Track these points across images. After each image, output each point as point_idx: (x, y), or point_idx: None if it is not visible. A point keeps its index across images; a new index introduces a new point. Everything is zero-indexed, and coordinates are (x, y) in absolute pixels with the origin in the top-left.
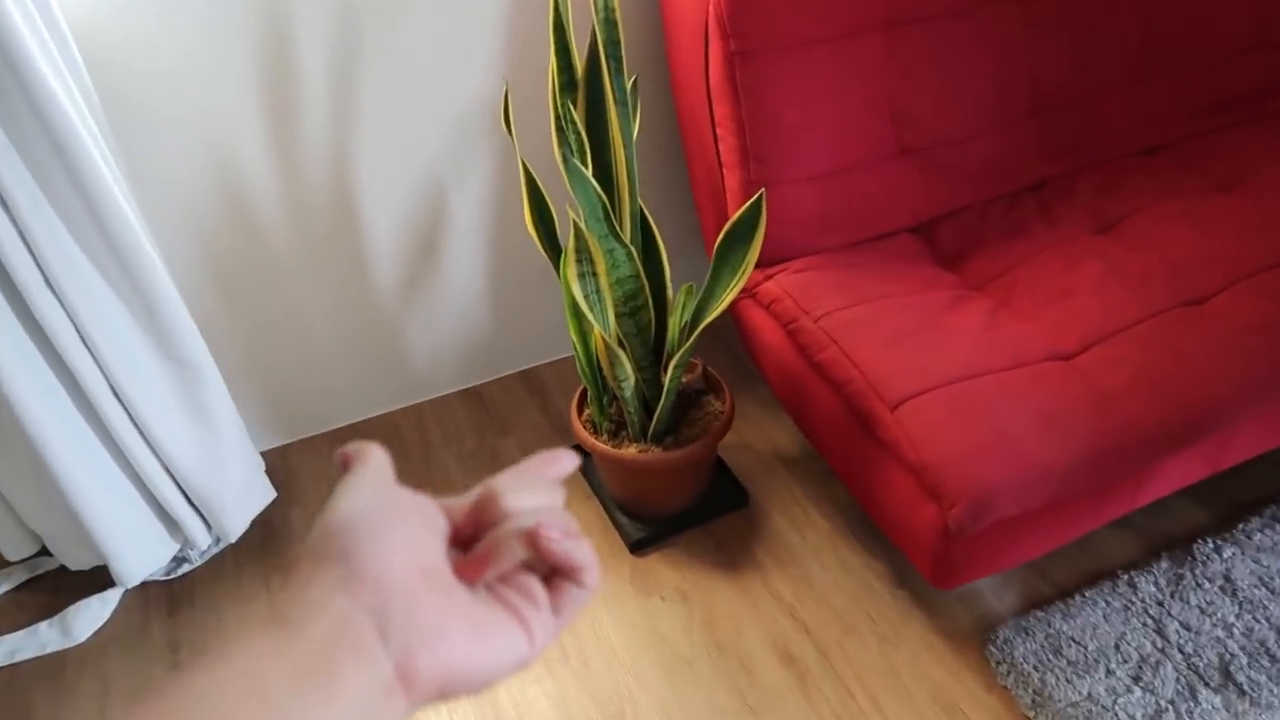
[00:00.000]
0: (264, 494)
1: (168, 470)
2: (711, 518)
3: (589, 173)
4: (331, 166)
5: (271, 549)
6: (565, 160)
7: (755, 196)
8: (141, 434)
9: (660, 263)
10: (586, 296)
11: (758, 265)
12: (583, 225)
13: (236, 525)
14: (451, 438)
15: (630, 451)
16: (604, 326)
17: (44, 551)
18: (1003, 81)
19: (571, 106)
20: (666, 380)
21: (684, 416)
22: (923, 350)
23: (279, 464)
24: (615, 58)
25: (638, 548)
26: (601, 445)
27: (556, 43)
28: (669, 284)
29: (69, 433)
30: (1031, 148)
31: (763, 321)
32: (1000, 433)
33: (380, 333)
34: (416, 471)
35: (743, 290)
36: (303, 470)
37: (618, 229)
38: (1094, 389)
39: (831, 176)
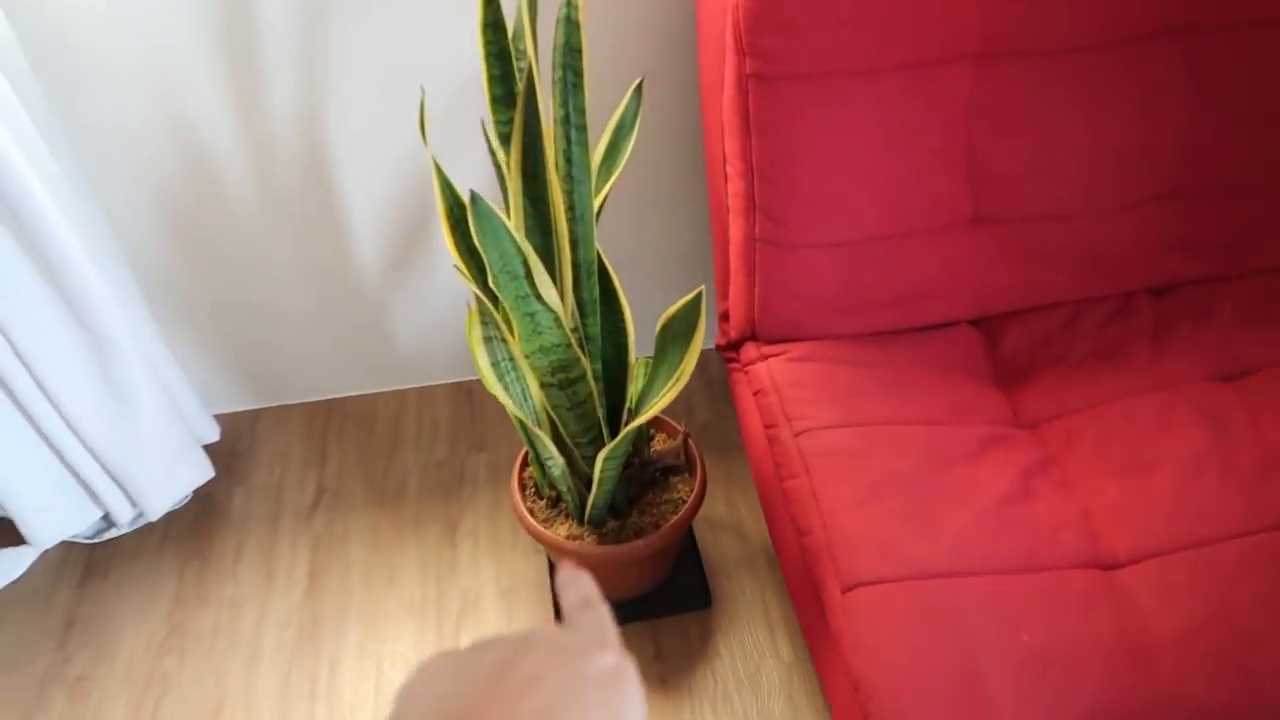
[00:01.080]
0: (197, 473)
1: (82, 441)
2: (662, 613)
3: (505, 218)
4: (301, 123)
5: (202, 529)
6: (473, 200)
7: (693, 294)
8: (51, 402)
9: (622, 322)
10: (495, 364)
11: (756, 337)
12: (490, 282)
13: (157, 504)
14: (424, 440)
15: (558, 533)
16: (518, 401)
17: None
18: (1142, 145)
19: (500, 130)
20: (596, 472)
21: (641, 496)
22: (910, 517)
23: (245, 429)
24: (573, 68)
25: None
26: (528, 519)
27: (488, 46)
28: (631, 347)
29: None
30: (1161, 239)
31: (748, 406)
32: (968, 669)
33: (361, 309)
34: (375, 474)
35: (733, 360)
36: (267, 442)
37: (538, 290)
38: (1131, 628)
39: (868, 244)
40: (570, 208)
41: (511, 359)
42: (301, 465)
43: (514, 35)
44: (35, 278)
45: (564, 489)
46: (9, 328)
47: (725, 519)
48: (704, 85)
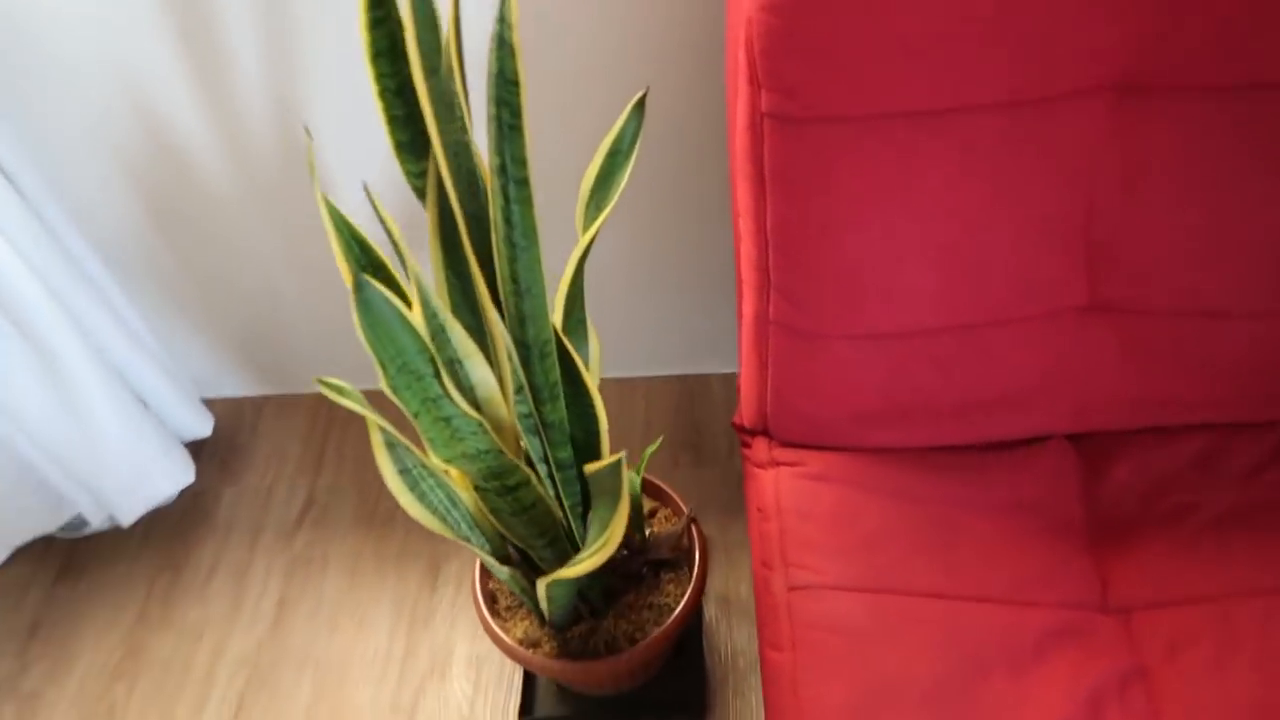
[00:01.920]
0: (174, 480)
1: (43, 450)
2: (659, 713)
3: (404, 306)
4: (278, 106)
5: (182, 534)
6: (357, 286)
7: (613, 459)
8: (4, 411)
9: (591, 409)
10: (405, 471)
11: (771, 434)
12: (384, 384)
13: (127, 512)
14: None
15: (514, 633)
16: (442, 511)
17: None
18: None
19: (413, 185)
20: (541, 591)
21: (624, 593)
22: None
23: (249, 418)
24: (509, 105)
25: (530, 716)
26: (481, 608)
27: (381, 81)
28: (603, 440)
29: None
30: None
31: (752, 517)
32: None
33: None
34: (368, 493)
35: (745, 445)
36: (266, 436)
37: (447, 389)
38: None
39: (927, 337)
40: (513, 278)
41: (421, 466)
42: (295, 470)
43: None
44: None
45: (516, 590)
46: None
47: (743, 600)
48: (729, 102)
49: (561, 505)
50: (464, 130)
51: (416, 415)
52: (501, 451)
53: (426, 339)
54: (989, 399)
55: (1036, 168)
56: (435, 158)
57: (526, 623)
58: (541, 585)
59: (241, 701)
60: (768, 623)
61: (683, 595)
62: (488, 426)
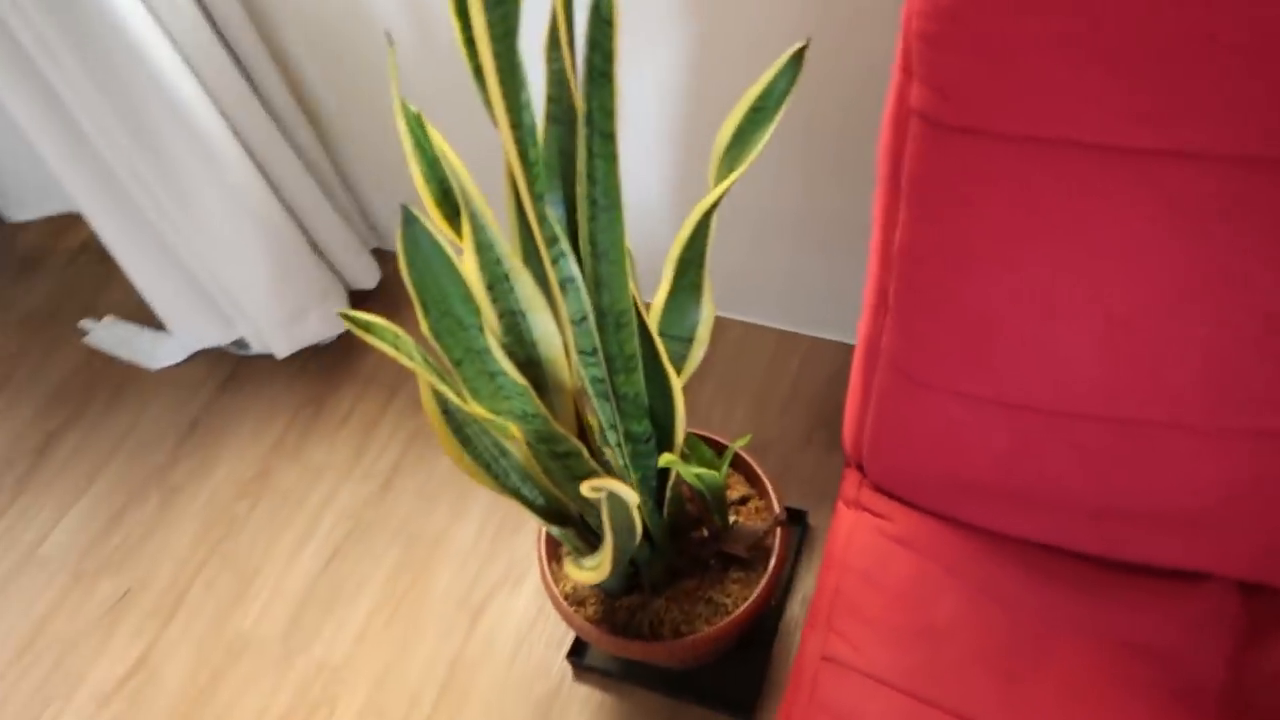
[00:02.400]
0: (329, 325)
1: (211, 273)
2: (696, 699)
3: (454, 250)
4: None
5: (332, 375)
6: (405, 217)
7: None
8: (174, 224)
9: (669, 391)
10: (447, 413)
11: (865, 471)
12: (424, 328)
13: (280, 346)
14: None
15: (562, 586)
16: (481, 459)
17: None
18: None
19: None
20: (570, 567)
21: (685, 577)
22: None
23: None
24: (600, 47)
25: (579, 658)
26: (540, 553)
27: None
28: (678, 422)
29: (113, 211)
30: None
31: (825, 556)
32: None
33: None
34: None
35: (844, 474)
36: None
37: (489, 345)
38: None
39: (1075, 420)
40: (591, 239)
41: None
42: None
43: None
44: (166, 114)
45: (570, 548)
46: (139, 146)
47: None
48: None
49: (628, 478)
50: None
51: (459, 364)
52: (549, 419)
53: (479, 288)
54: (1143, 511)
55: (1270, 249)
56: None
57: (586, 570)
58: (569, 566)
59: (336, 551)
60: (791, 684)
61: (745, 599)
62: (532, 394)
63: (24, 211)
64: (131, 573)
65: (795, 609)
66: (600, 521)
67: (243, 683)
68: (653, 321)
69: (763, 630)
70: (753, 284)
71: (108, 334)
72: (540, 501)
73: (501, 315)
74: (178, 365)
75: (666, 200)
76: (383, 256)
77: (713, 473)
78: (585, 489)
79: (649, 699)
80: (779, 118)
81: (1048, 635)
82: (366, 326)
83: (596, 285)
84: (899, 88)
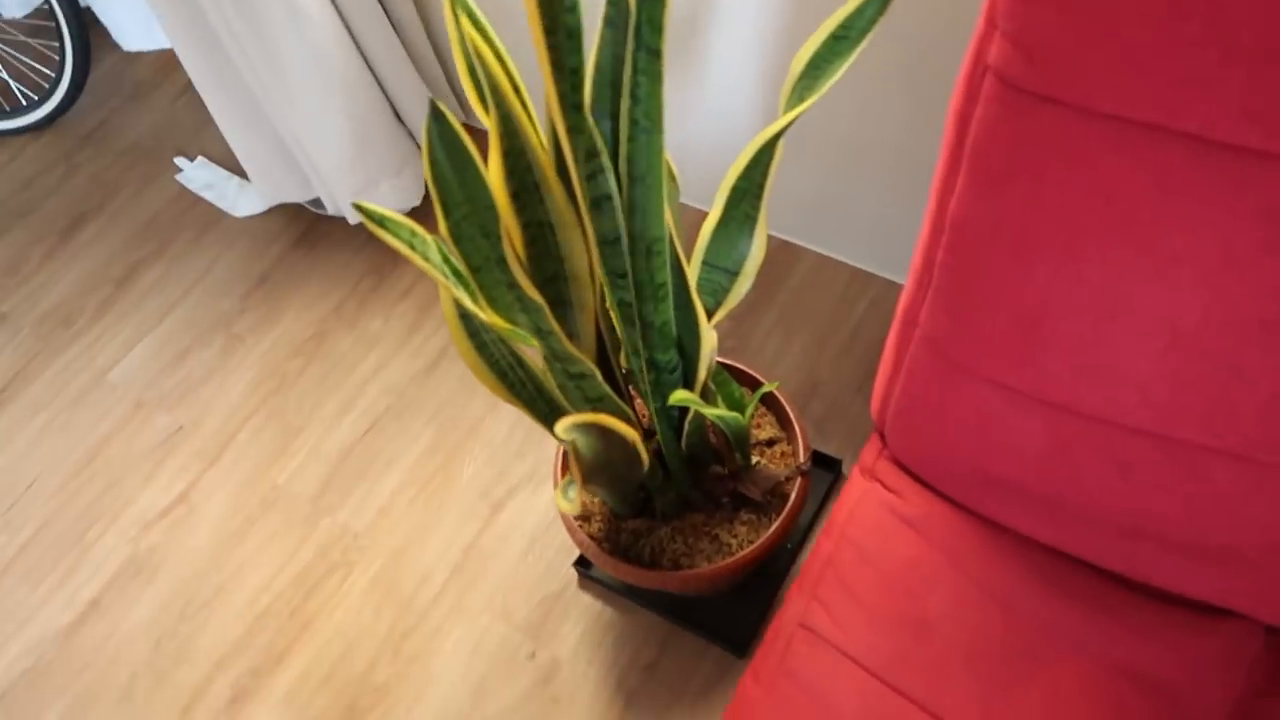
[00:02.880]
0: (401, 197)
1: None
2: (694, 626)
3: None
4: None
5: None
6: (432, 111)
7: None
8: (263, 86)
9: (695, 327)
10: (464, 317)
11: (886, 442)
12: (443, 230)
13: (352, 212)
14: None
15: (572, 490)
16: (497, 367)
17: None
18: None
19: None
20: (559, 497)
21: (693, 511)
22: None
23: None
24: None
25: (586, 568)
26: (556, 462)
27: None
28: (703, 361)
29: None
30: None
31: (828, 520)
32: None
33: None
34: None
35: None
36: None
37: (506, 255)
38: None
39: (1119, 432)
40: (629, 159)
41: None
42: None
43: None
44: None
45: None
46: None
47: None
48: None
49: (649, 406)
50: None
51: (477, 270)
52: (561, 338)
53: (501, 195)
54: (1179, 538)
55: None
56: None
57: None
58: (557, 491)
59: (375, 423)
60: (765, 641)
61: (750, 543)
62: (547, 311)
63: (137, 41)
64: (187, 411)
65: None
66: (612, 452)
67: (271, 534)
68: (699, 248)
69: (774, 571)
70: (834, 214)
71: (198, 175)
72: (553, 416)
73: (527, 225)
74: (257, 216)
75: (757, 108)
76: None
77: (735, 415)
78: (560, 428)
79: (646, 619)
80: (861, 48)
81: (1044, 647)
82: (380, 221)
83: (630, 209)
84: (979, 40)
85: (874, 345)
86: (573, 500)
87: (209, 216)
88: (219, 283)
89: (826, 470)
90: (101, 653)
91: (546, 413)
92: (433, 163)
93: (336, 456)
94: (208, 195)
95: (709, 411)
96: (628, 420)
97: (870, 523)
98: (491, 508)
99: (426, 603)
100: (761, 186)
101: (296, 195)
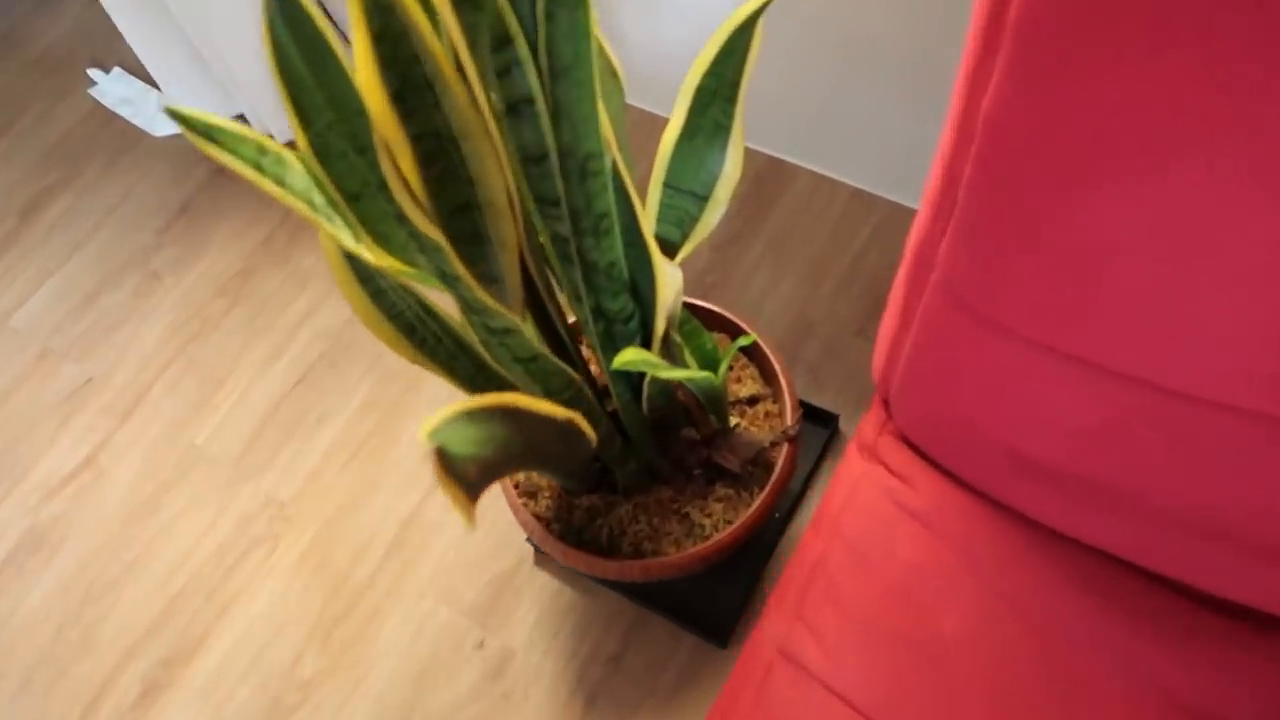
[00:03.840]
0: None
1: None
2: (668, 612)
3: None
4: None
5: None
6: None
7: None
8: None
9: (648, 266)
10: (352, 258)
11: (891, 412)
12: (301, 142)
13: (279, 129)
14: None
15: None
16: (400, 318)
17: None
18: None
19: None
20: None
21: (659, 485)
22: None
23: None
24: None
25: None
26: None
27: None
28: (660, 308)
29: None
30: None
31: (819, 507)
32: None
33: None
34: None
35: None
36: None
37: (388, 179)
38: None
39: (1194, 407)
40: (548, 46)
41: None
42: None
43: None
44: None
45: None
46: None
47: None
48: None
49: (600, 362)
50: None
51: (356, 199)
52: (471, 285)
53: (377, 97)
54: (1260, 540)
55: None
56: None
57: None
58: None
59: (307, 373)
60: (739, 668)
61: (726, 524)
62: (449, 251)
63: None
64: (97, 361)
65: (802, 527)
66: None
67: (188, 501)
68: (659, 165)
69: (759, 545)
70: (831, 126)
71: (113, 89)
72: (481, 378)
73: (419, 137)
74: (178, 136)
75: None
76: None
77: (707, 375)
78: (426, 433)
79: (610, 601)
80: None
81: (1084, 673)
82: (206, 132)
83: (556, 115)
84: None
85: (877, 279)
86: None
87: (126, 137)
88: (135, 213)
89: (821, 426)
90: None
91: (472, 372)
92: (276, 49)
93: (262, 412)
94: (123, 111)
95: (669, 374)
96: (566, 387)
97: (870, 516)
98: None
99: (361, 583)
100: (736, 86)
101: (219, 110)
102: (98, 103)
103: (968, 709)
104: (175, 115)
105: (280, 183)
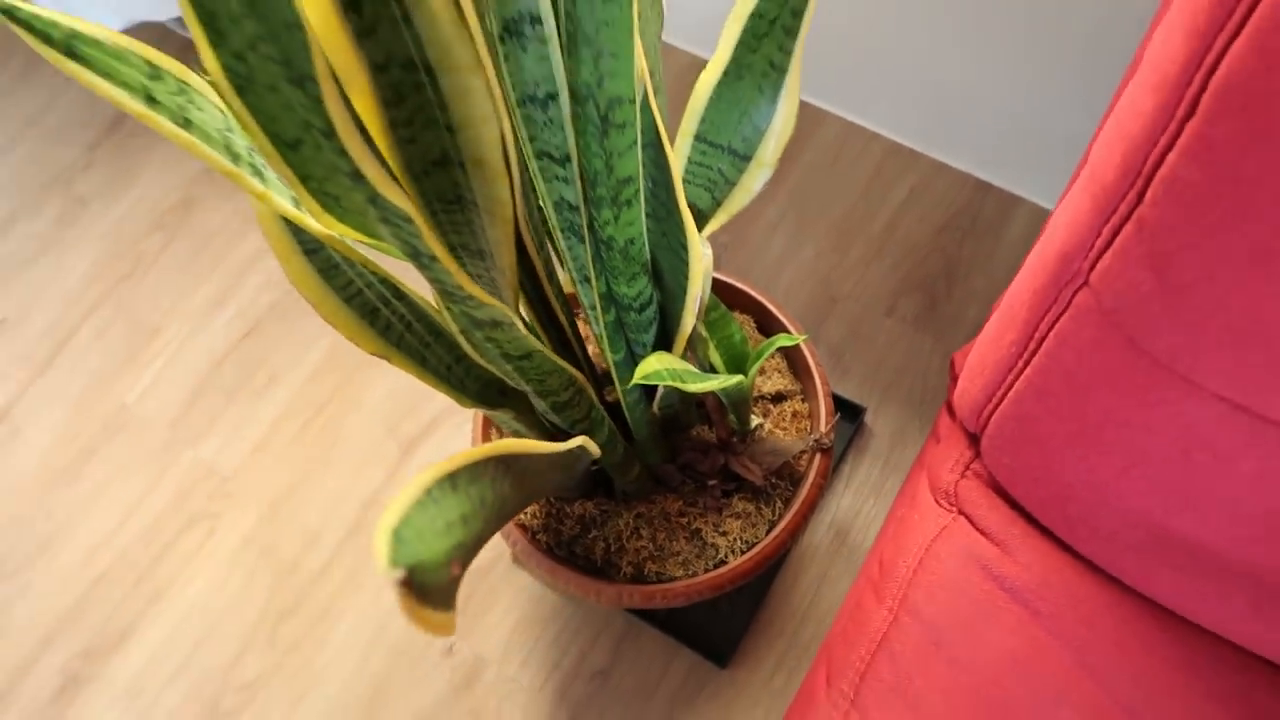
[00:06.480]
0: None
1: None
2: (659, 627)
3: None
4: None
5: None
6: None
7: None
8: None
9: (684, 250)
10: (293, 227)
11: (981, 451)
12: (209, 63)
13: None
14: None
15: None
16: (357, 299)
17: None
18: None
19: None
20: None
21: (669, 491)
22: None
23: None
24: None
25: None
26: (475, 425)
27: None
28: (690, 302)
29: None
30: None
31: (872, 552)
32: None
33: None
34: None
35: (935, 432)
36: None
37: (332, 122)
38: None
39: None
40: None
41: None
42: None
43: None
44: None
45: (510, 431)
46: None
47: (862, 547)
48: None
49: (605, 354)
50: None
51: (295, 146)
52: (449, 270)
53: (320, 5)
54: None
55: None
56: None
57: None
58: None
59: (255, 327)
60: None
61: (745, 546)
62: (421, 221)
63: None
64: (11, 300)
65: (818, 534)
66: (550, 417)
67: (115, 469)
68: (691, 114)
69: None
70: (868, 67)
71: None
72: (460, 369)
73: (383, 67)
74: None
75: None
76: None
77: (737, 379)
78: (424, 483)
79: (598, 610)
80: None
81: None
82: (67, 46)
83: (573, 43)
84: None
85: (912, 248)
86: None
87: None
88: (59, 126)
89: (845, 419)
90: None
91: (449, 364)
92: None
93: (202, 370)
94: (49, 5)
95: (700, 387)
96: (566, 387)
97: (954, 590)
98: (401, 450)
99: (313, 573)
100: (799, 15)
101: (158, 11)
102: None
103: None
104: (15, 17)
105: (183, 122)
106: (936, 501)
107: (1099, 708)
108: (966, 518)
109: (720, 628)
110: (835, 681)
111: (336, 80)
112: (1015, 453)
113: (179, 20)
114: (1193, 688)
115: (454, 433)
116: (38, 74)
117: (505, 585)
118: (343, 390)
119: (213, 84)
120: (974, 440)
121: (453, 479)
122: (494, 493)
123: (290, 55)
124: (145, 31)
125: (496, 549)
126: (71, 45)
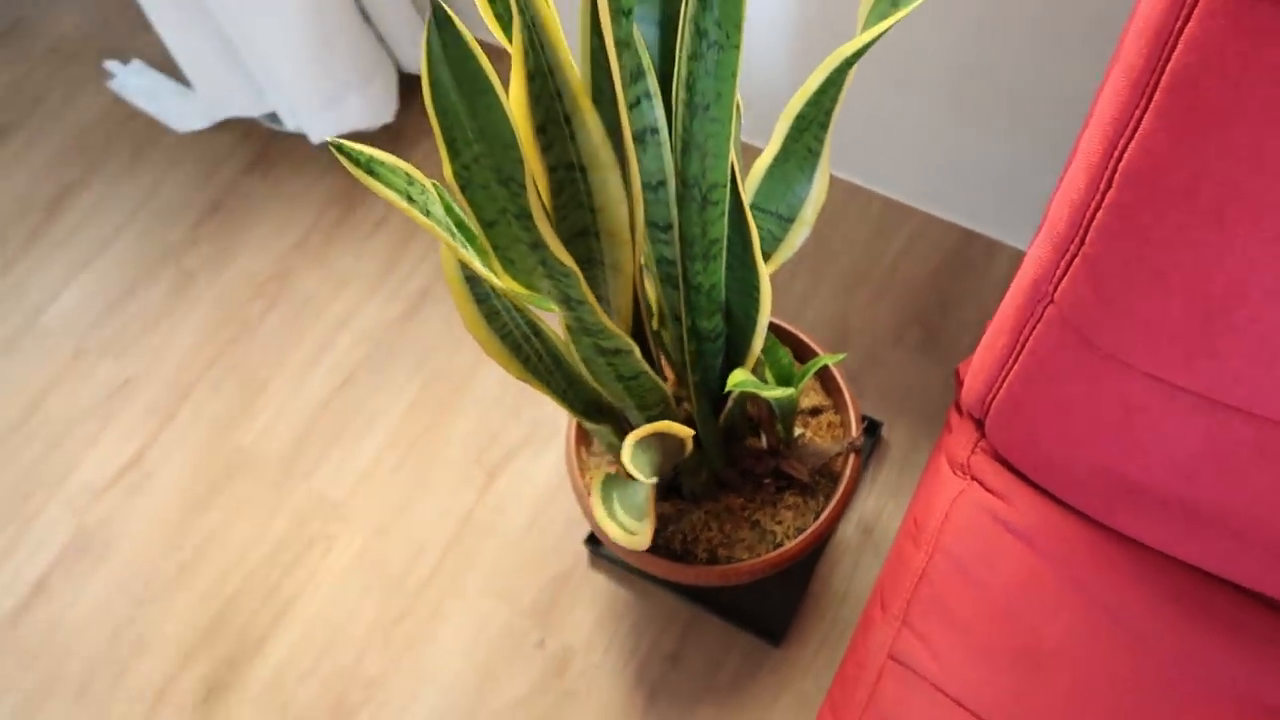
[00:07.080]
0: (371, 113)
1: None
2: (722, 612)
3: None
4: None
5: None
6: (436, 16)
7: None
8: None
9: (755, 291)
10: (470, 279)
11: (985, 433)
12: (448, 173)
13: (315, 129)
14: None
15: (586, 477)
16: (509, 337)
17: None
18: None
19: None
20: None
21: (733, 492)
22: None
23: None
24: None
25: (598, 545)
26: (569, 435)
27: None
28: (758, 331)
29: None
30: None
31: (907, 521)
32: None
33: None
34: None
35: (949, 423)
36: None
37: (531, 208)
38: None
39: None
40: (689, 84)
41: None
42: None
43: None
44: None
45: (604, 445)
46: None
47: (886, 538)
48: None
49: (685, 380)
50: None
51: (491, 225)
52: (597, 310)
53: (525, 129)
54: None
55: None
56: None
57: (611, 471)
58: (600, 512)
59: (351, 375)
60: (845, 674)
61: (797, 532)
62: (580, 279)
63: None
64: (135, 361)
65: (848, 531)
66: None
67: (239, 502)
68: (748, 189)
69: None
70: (866, 136)
71: (134, 81)
72: (569, 392)
73: (553, 169)
74: (204, 132)
75: (785, 27)
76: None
77: (789, 392)
78: (626, 454)
79: (666, 602)
80: None
81: (1186, 686)
82: (368, 166)
83: (685, 146)
84: None
85: (912, 287)
86: (635, 532)
87: (147, 132)
88: (164, 209)
89: (866, 434)
90: (51, 643)
91: (564, 387)
92: (434, 86)
93: (309, 414)
94: (146, 105)
95: (771, 394)
96: (659, 403)
97: (971, 532)
98: (487, 474)
99: (419, 583)
100: (830, 115)
101: (248, 108)
102: (116, 96)
103: (1071, 713)
104: (338, 148)
105: (426, 213)
106: (954, 473)
107: (1085, 610)
108: (978, 482)
109: (771, 612)
110: (888, 607)
111: (533, 180)
112: (1011, 429)
113: (270, 115)
114: (1154, 592)
115: (530, 461)
116: (141, 165)
117: (585, 587)
118: (431, 429)
119: (442, 184)
120: (979, 424)
121: (639, 443)
122: (651, 450)
123: (501, 164)
124: (234, 126)
125: (575, 557)
126: (371, 166)
